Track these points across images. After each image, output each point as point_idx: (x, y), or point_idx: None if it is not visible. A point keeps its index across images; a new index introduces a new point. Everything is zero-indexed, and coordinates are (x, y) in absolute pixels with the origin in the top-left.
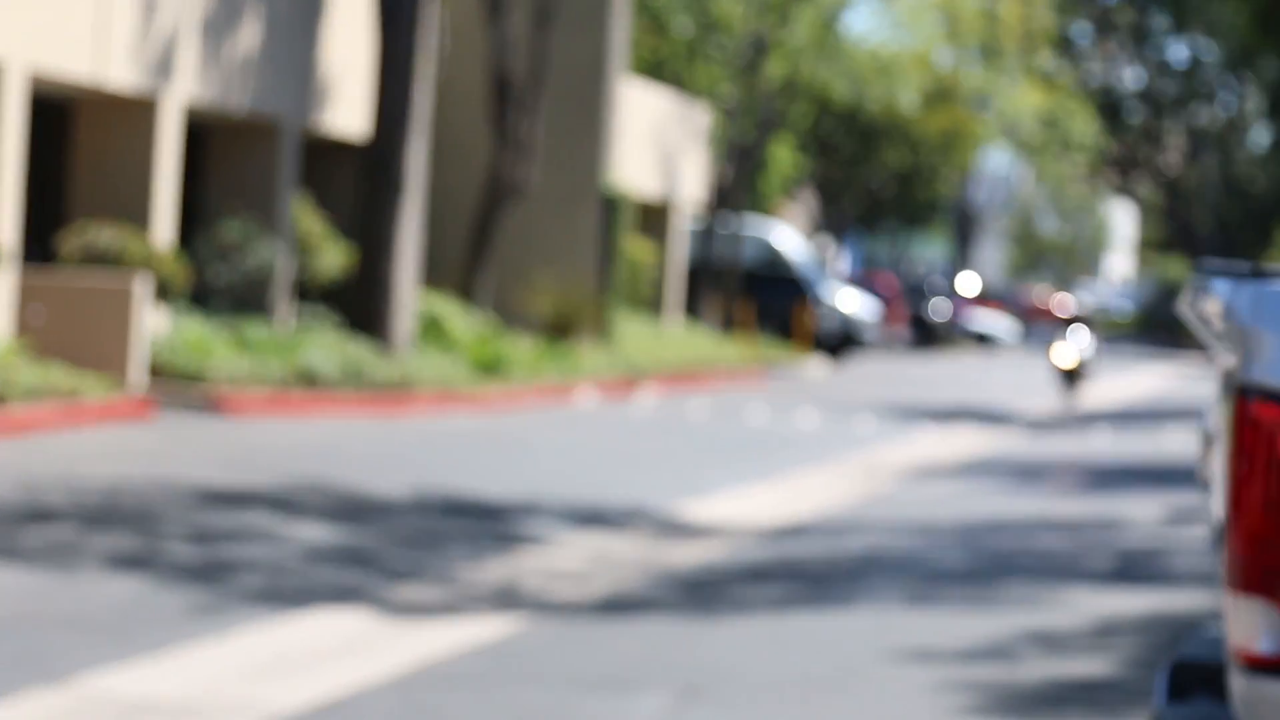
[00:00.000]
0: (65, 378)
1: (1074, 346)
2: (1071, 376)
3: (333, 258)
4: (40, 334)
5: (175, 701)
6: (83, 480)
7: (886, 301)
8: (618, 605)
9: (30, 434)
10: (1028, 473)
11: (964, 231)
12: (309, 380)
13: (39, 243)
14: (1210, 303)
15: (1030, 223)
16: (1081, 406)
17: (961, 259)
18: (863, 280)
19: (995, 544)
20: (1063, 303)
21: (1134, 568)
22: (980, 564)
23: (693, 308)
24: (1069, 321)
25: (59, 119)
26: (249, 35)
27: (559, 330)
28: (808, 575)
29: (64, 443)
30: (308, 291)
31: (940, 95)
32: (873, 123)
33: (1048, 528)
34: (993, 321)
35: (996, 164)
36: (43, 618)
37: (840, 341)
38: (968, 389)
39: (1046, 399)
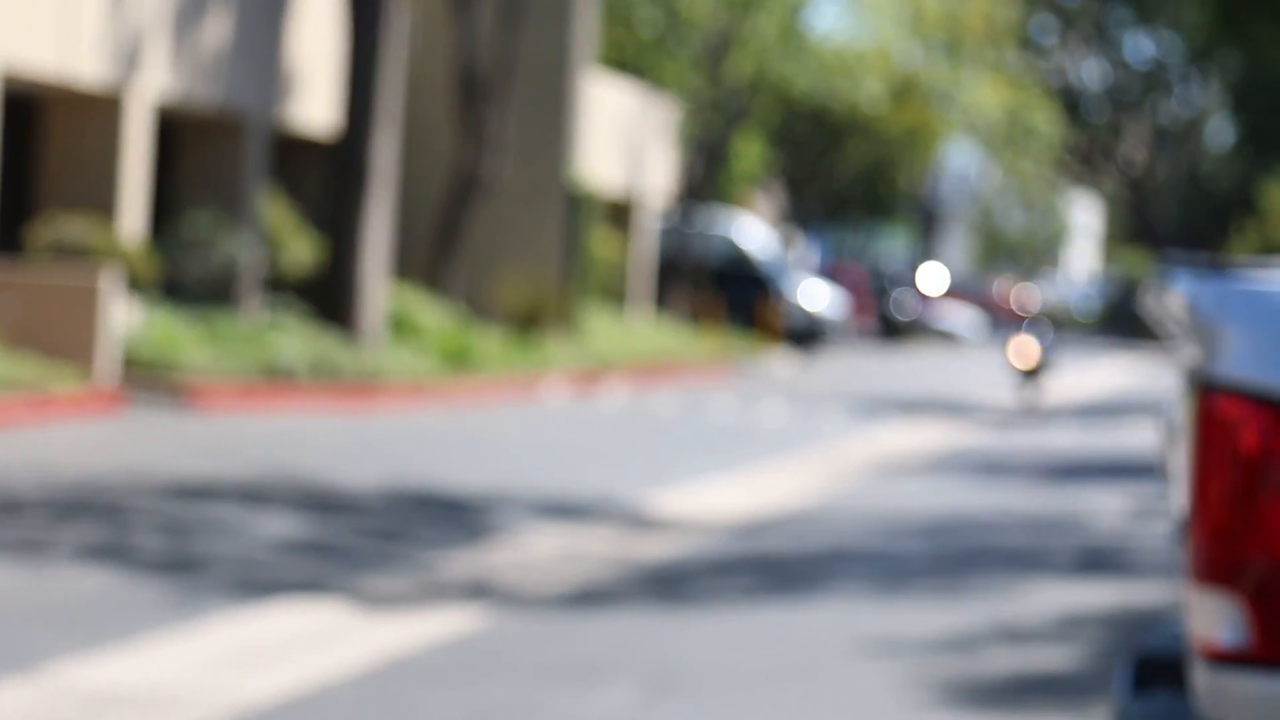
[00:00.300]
0: (34, 371)
1: (1033, 342)
2: (1031, 373)
3: (302, 251)
4: (9, 326)
5: (145, 692)
6: (52, 473)
7: (853, 295)
8: (586, 598)
9: None
10: (993, 467)
11: (928, 225)
12: (278, 373)
13: (7, 236)
14: (1173, 297)
15: (993, 217)
16: (1042, 403)
17: (926, 253)
18: (830, 273)
19: (961, 538)
20: (1023, 297)
21: (1098, 561)
22: (946, 557)
23: (661, 302)
24: (1028, 317)
25: (27, 113)
26: (217, 29)
27: (527, 323)
28: (775, 569)
29: (32, 436)
30: (277, 285)
31: (903, 91)
32: (838, 119)
33: (1013, 522)
34: (958, 316)
35: (960, 159)
36: (11, 610)
37: (807, 336)
38: (934, 383)
39: (1011, 394)
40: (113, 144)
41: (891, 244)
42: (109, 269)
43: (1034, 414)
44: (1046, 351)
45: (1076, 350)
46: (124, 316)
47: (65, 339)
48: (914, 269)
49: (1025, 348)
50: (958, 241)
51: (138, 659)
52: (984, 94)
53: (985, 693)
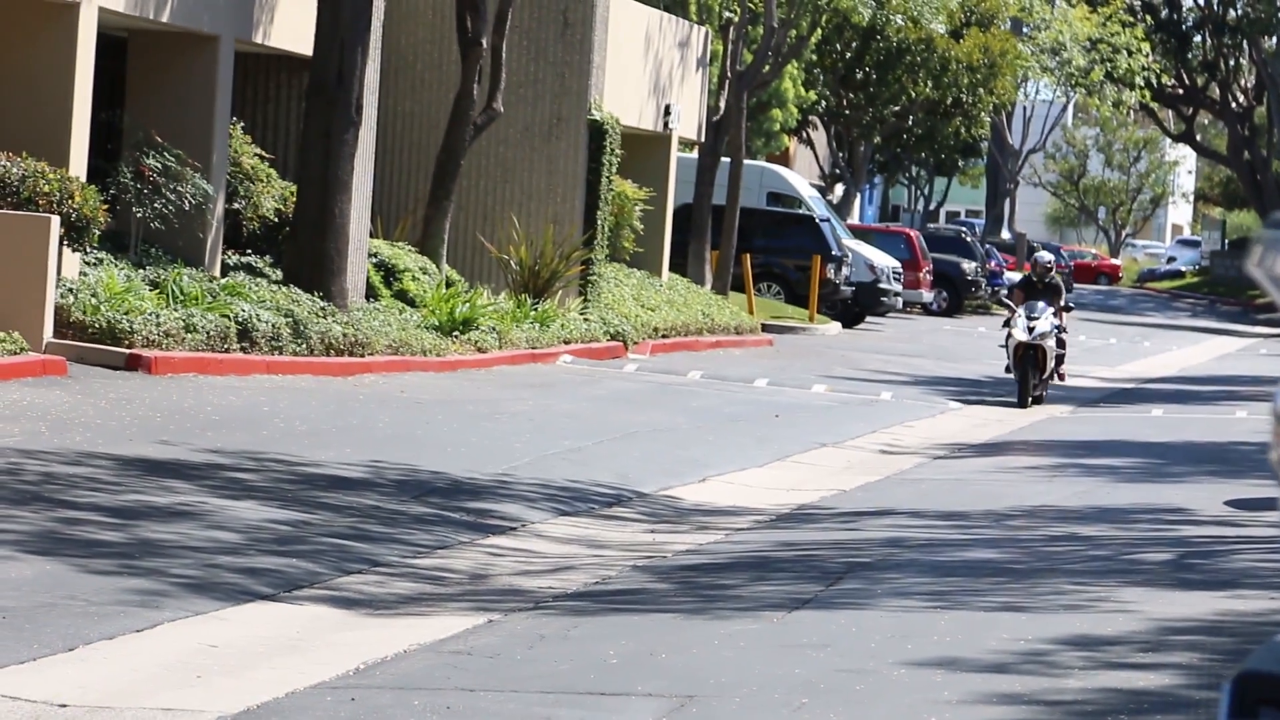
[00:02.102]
0: None
1: (1040, 320)
2: (1031, 359)
3: (271, 196)
4: None
5: (87, 706)
6: None
7: (909, 258)
8: (600, 598)
9: None
10: (1069, 453)
11: (998, 178)
12: (244, 336)
13: None
14: None
15: (1076, 169)
16: (1044, 399)
17: (996, 209)
18: (882, 233)
19: (1031, 534)
20: (1039, 263)
21: (1193, 566)
22: (1014, 557)
23: (686, 258)
24: (1040, 286)
25: None
26: None
27: (534, 284)
28: (816, 566)
29: None
30: (243, 234)
31: (975, 19)
32: (894, 44)
33: (1092, 517)
34: None
35: (1037, 99)
36: None
37: (855, 301)
38: (1000, 358)
39: (1096, 369)
40: (57, 65)
41: (957, 198)
42: (51, 214)
43: (1037, 405)
44: (1052, 332)
45: (1171, 318)
46: (67, 269)
47: (3, 294)
48: (983, 228)
49: (1027, 325)
50: (1033, 197)
51: (82, 666)
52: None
53: (1062, 716)
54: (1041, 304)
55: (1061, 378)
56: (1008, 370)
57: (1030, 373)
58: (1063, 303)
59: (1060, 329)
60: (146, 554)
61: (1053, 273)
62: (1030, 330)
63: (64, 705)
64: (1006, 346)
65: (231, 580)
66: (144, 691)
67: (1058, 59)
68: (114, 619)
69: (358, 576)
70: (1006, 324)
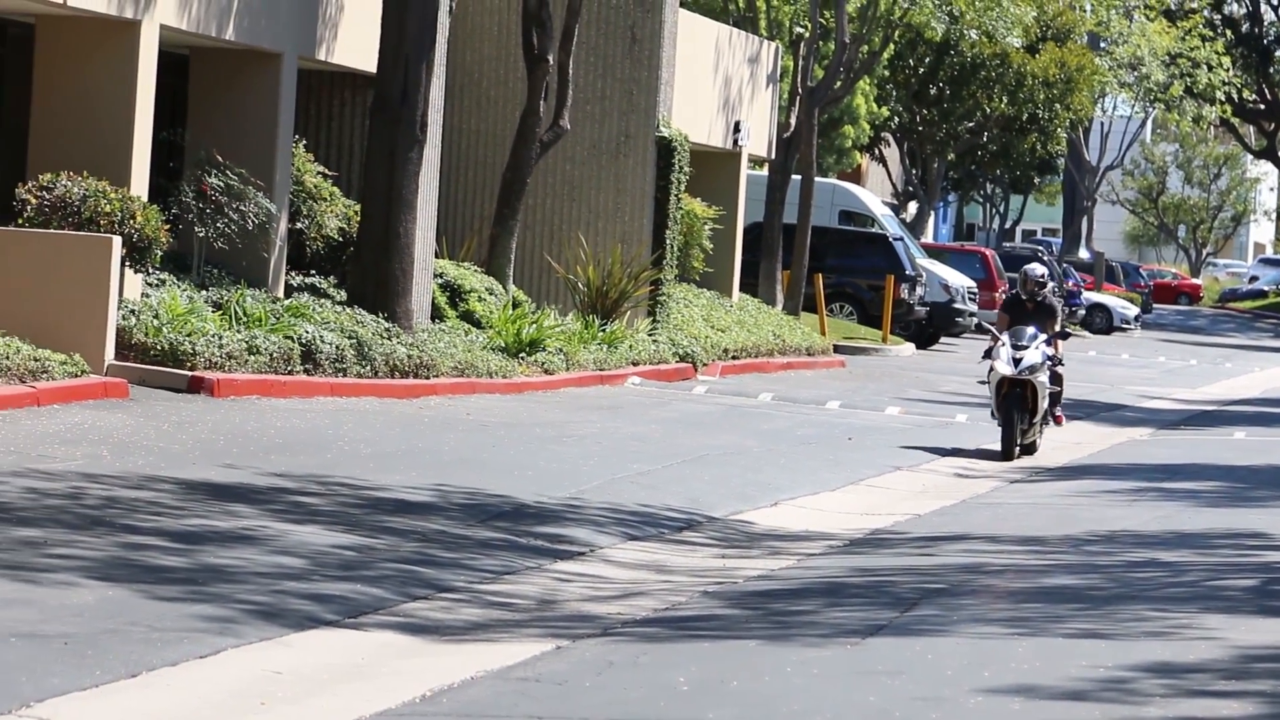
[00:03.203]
0: (26, 352)
1: (1029, 349)
2: (1017, 398)
3: (335, 215)
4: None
5: None
6: (46, 470)
7: (984, 277)
8: (670, 625)
9: None
10: (1148, 477)
11: (1075, 195)
12: (308, 358)
13: None
14: None
15: (1155, 186)
16: (1036, 448)
17: (1073, 227)
18: (957, 252)
19: (1110, 560)
20: (1029, 278)
21: (1276, 593)
22: (1093, 583)
23: (756, 278)
24: (1029, 307)
25: (17, 50)
26: None
27: (602, 304)
28: (890, 592)
29: (24, 426)
30: (307, 254)
31: (1052, 34)
32: (969, 59)
33: (1173, 542)
34: (1110, 303)
35: (1115, 115)
36: None
37: (929, 321)
38: (1078, 380)
39: (1176, 390)
40: (118, 84)
41: (1032, 216)
42: (113, 234)
43: (1027, 456)
44: (1048, 363)
45: (1250, 340)
46: (129, 290)
47: (62, 316)
48: (1059, 246)
49: (1013, 356)
50: (1110, 215)
51: (145, 694)
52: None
53: None
54: (1031, 330)
55: (1059, 421)
56: (992, 415)
57: (1017, 415)
58: (1058, 328)
59: (1055, 360)
60: (210, 579)
61: (1046, 290)
62: (1016, 362)
63: None
64: (988, 382)
65: (296, 606)
66: (208, 718)
67: (1136, 74)
68: (177, 645)
69: (424, 602)
70: (987, 354)
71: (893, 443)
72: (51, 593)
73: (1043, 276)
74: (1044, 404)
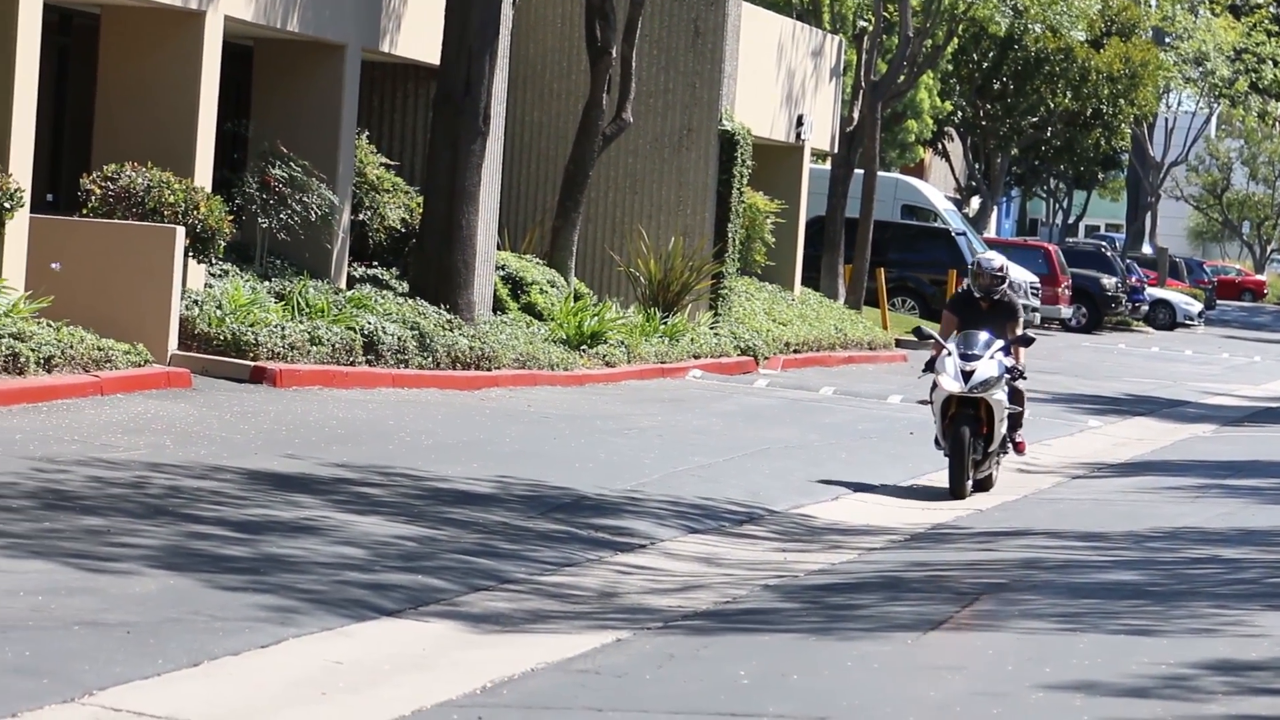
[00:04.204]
0: (90, 341)
1: (983, 360)
2: (970, 420)
3: (397, 207)
4: (61, 291)
5: None
6: (109, 459)
7: (1047, 272)
8: (730, 618)
9: (50, 406)
10: (1211, 474)
11: (1139, 191)
12: (370, 349)
13: (60, 187)
14: None
15: (1220, 182)
16: (992, 482)
17: (1137, 223)
18: (1020, 247)
19: (1172, 556)
20: (984, 270)
21: None
22: (1154, 579)
23: (818, 272)
24: (984, 307)
25: (82, 40)
26: None
27: (663, 297)
28: (950, 587)
29: (88, 416)
30: (369, 246)
31: (1116, 28)
32: (1033, 54)
33: (1235, 539)
34: (1174, 299)
35: (1179, 110)
36: (62, 618)
37: None
38: (1141, 376)
39: (1239, 387)
40: (183, 76)
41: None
42: (177, 225)
43: (981, 493)
44: (1007, 376)
45: None
46: (193, 280)
47: (126, 305)
48: (1123, 242)
49: (963, 369)
50: (1174, 211)
51: (205, 683)
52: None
53: None
54: (985, 335)
55: (1020, 448)
56: (937, 444)
57: (969, 443)
58: (1020, 331)
59: (1015, 373)
60: (272, 569)
61: (1005, 287)
62: (966, 376)
63: None
64: (932, 402)
65: (357, 596)
66: (269, 708)
67: (1201, 69)
68: (239, 634)
69: (485, 593)
70: (929, 366)
71: None
72: (114, 581)
73: (1001, 269)
74: (1001, 428)
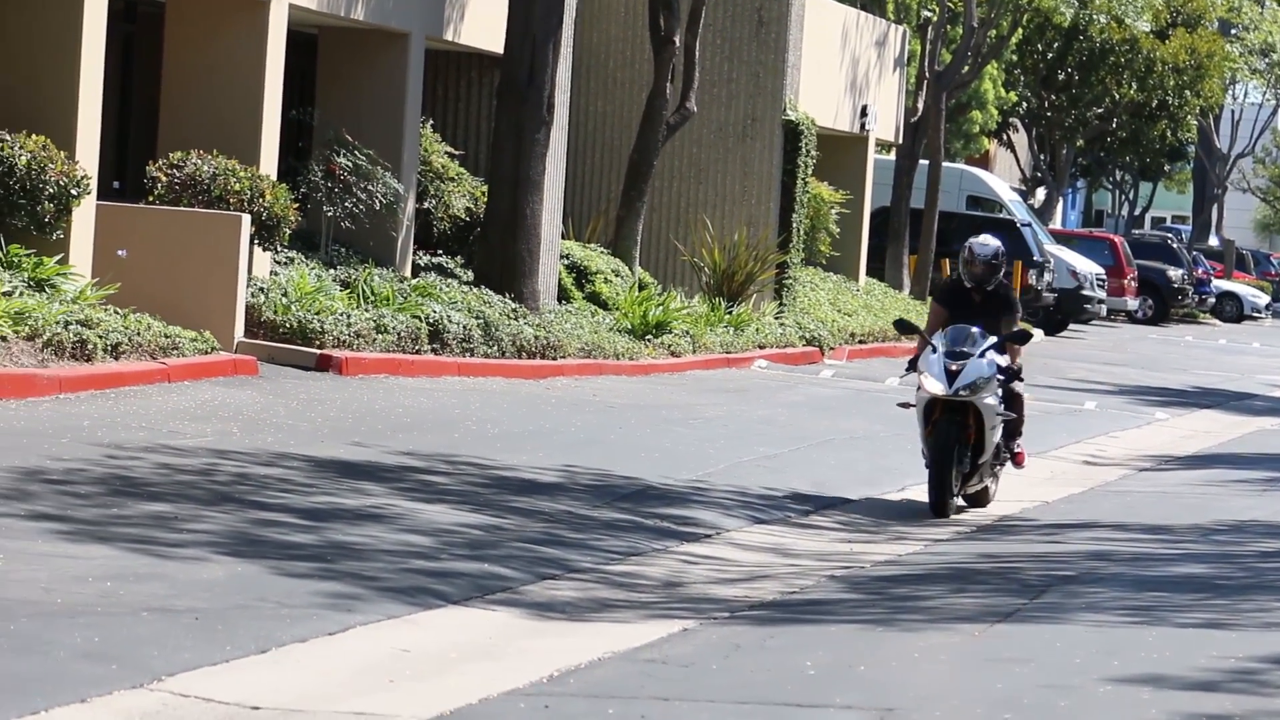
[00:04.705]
0: (157, 328)
1: (973, 360)
2: (956, 428)
3: (462, 196)
4: (127, 279)
5: (279, 709)
6: (177, 446)
7: (1113, 264)
8: (796, 608)
9: (117, 393)
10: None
11: (1206, 183)
12: (435, 338)
13: (126, 174)
14: None
15: None
16: (989, 497)
17: (1203, 215)
18: (1085, 239)
19: (1240, 549)
20: (976, 257)
21: None
22: (1222, 573)
23: (883, 262)
24: (976, 300)
25: (147, 28)
26: None
27: (728, 287)
28: (1018, 579)
29: (155, 403)
30: (434, 234)
31: (1182, 19)
32: (1098, 44)
33: None
34: (1241, 291)
35: (1246, 102)
36: (131, 604)
37: (1057, 308)
38: (1209, 368)
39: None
40: (248, 64)
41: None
42: (242, 213)
43: (977, 508)
44: (1000, 379)
45: None
46: (258, 268)
47: (192, 293)
48: (1189, 233)
49: (947, 373)
50: (1241, 203)
51: (273, 669)
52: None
53: None
54: (976, 330)
55: (1019, 460)
56: (923, 454)
57: (955, 453)
58: (1016, 328)
59: (1010, 375)
60: (338, 556)
61: (1000, 277)
62: (953, 376)
63: (256, 708)
64: (914, 405)
65: (424, 584)
66: (336, 695)
67: (1268, 60)
68: (306, 621)
69: (551, 582)
70: (912, 365)
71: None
72: (182, 568)
73: (996, 256)
74: (994, 436)
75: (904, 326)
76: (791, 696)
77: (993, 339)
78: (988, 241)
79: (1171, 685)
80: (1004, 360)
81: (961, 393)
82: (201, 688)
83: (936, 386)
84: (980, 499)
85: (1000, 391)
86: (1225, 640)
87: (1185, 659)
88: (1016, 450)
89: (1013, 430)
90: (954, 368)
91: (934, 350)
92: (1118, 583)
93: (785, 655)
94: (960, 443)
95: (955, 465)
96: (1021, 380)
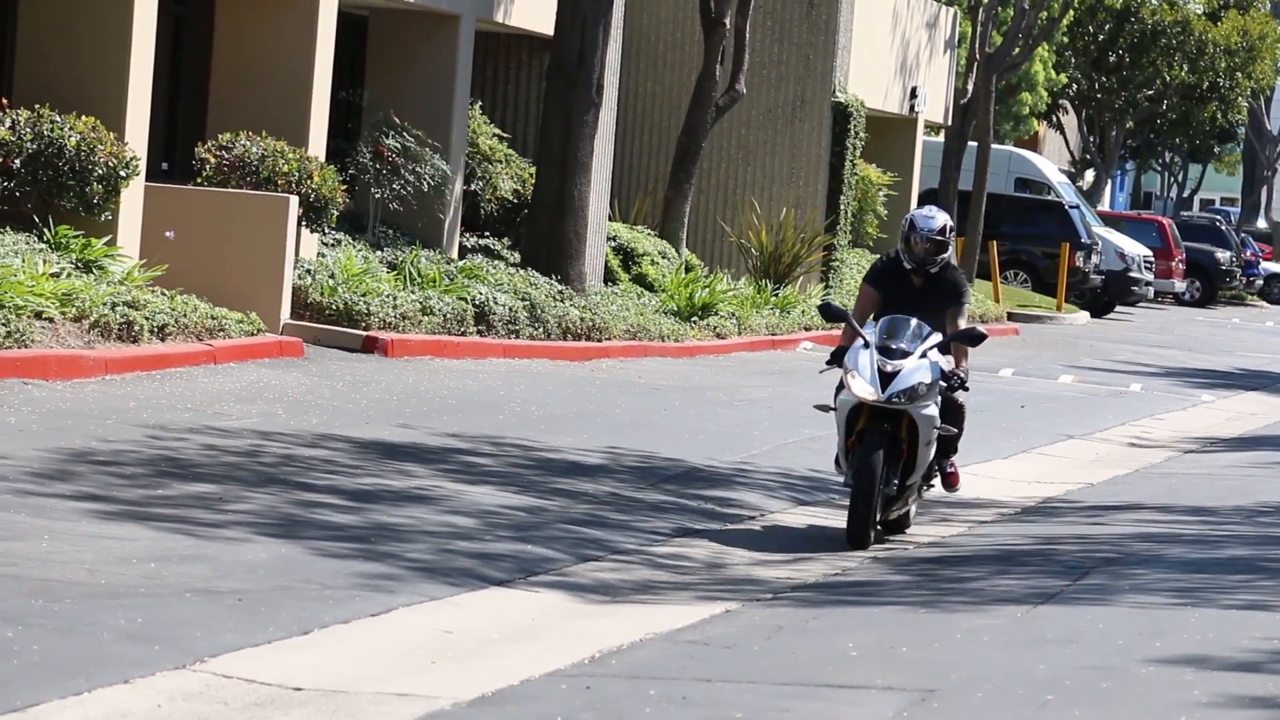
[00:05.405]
0: (203, 310)
1: (913, 357)
2: (882, 439)
3: (509, 178)
4: (175, 260)
5: (321, 690)
6: (222, 428)
7: (1161, 246)
8: (839, 590)
9: (163, 374)
10: None
11: (1256, 165)
12: (481, 320)
13: (174, 156)
14: None
15: None
16: (908, 521)
17: (1253, 197)
18: (1133, 221)
19: None
20: (919, 233)
21: None
22: (1267, 554)
23: None
24: (916, 284)
25: (198, 10)
26: None
27: (775, 269)
28: (1061, 560)
29: (201, 384)
30: (481, 216)
31: (1234, 1)
32: (1149, 26)
33: None
34: None
35: None
36: (174, 585)
37: (1104, 290)
38: (1255, 350)
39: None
40: (298, 46)
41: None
42: (290, 194)
43: (896, 534)
44: (942, 383)
45: None
46: (306, 249)
47: (239, 274)
48: (1239, 216)
49: (894, 365)
50: None
51: (316, 649)
52: None
53: None
54: (914, 323)
55: (952, 481)
56: (838, 465)
57: (880, 471)
58: (962, 322)
59: (954, 381)
60: (382, 538)
61: (946, 256)
62: (886, 379)
63: (299, 689)
64: (833, 408)
65: (467, 566)
66: (378, 676)
67: None
68: (348, 603)
69: (593, 564)
70: (835, 359)
71: (1066, 411)
72: (226, 549)
73: (943, 231)
74: (929, 454)
75: (830, 312)
76: (833, 678)
77: (937, 336)
78: (933, 213)
79: (1214, 666)
80: (948, 363)
81: (897, 399)
82: (244, 669)
83: (866, 390)
84: (899, 525)
85: (939, 401)
86: (1269, 622)
87: (1228, 640)
88: (950, 469)
89: (948, 446)
90: (889, 369)
91: (865, 345)
92: (1161, 564)
93: (827, 637)
94: (889, 459)
95: (880, 485)
96: (966, 389)
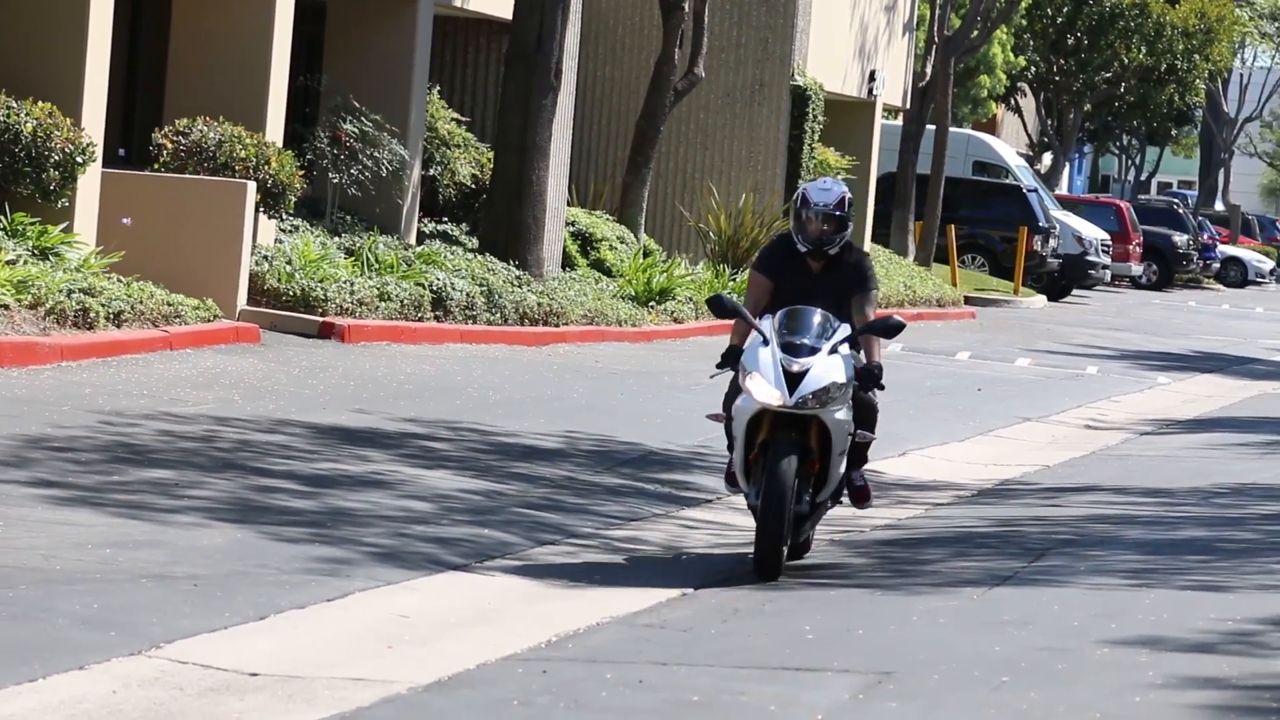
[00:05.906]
0: (160, 296)
1: (821, 354)
2: (790, 449)
3: (468, 163)
4: (131, 246)
5: (277, 675)
6: (178, 414)
7: (1118, 229)
8: (796, 572)
9: (119, 361)
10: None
11: (1213, 148)
12: (438, 305)
13: (131, 142)
14: None
15: None
16: (809, 545)
17: (1210, 180)
18: (1091, 204)
19: (1239, 513)
20: (815, 210)
21: None
22: (1223, 535)
23: (889, 228)
24: (814, 268)
25: None
26: None
27: (733, 253)
28: (1017, 542)
29: (157, 370)
30: (439, 201)
31: None
32: (1107, 8)
33: None
34: (1246, 256)
35: (1254, 66)
36: (130, 571)
37: (1061, 274)
38: (1211, 333)
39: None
40: (253, 31)
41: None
42: (247, 180)
43: (798, 558)
44: (854, 382)
45: None
46: (262, 235)
47: (195, 261)
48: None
49: (802, 364)
50: (1248, 168)
51: (272, 635)
52: None
53: (1272, 699)
54: (819, 315)
55: (861, 496)
56: (729, 484)
57: (790, 488)
58: (871, 311)
59: (871, 378)
60: (338, 523)
61: (846, 235)
62: (793, 381)
63: (255, 674)
64: (729, 417)
65: (423, 550)
66: (334, 661)
67: (1277, 24)
68: (305, 588)
69: (550, 547)
70: (728, 359)
71: (1023, 394)
72: (182, 534)
73: (842, 205)
74: (841, 466)
75: (721, 306)
76: (790, 660)
77: (846, 329)
78: (829, 185)
79: (1169, 647)
80: (858, 357)
81: (806, 404)
82: (200, 654)
83: (771, 394)
84: (801, 548)
85: (852, 403)
86: (1223, 602)
87: (1183, 621)
88: (859, 483)
89: (858, 456)
90: (795, 368)
91: (764, 341)
92: (1117, 545)
93: (784, 619)
94: (801, 473)
95: (791, 503)
96: (881, 387)
